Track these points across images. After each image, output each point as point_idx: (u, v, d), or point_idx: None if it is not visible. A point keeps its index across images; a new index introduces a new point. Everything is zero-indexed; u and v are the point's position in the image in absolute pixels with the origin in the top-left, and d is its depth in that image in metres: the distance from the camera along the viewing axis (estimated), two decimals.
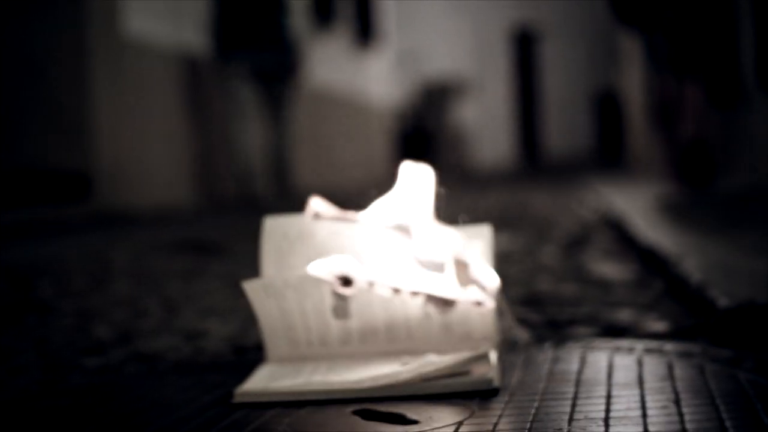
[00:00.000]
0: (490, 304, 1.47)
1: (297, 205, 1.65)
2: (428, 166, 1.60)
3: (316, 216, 1.58)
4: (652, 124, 6.73)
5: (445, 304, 1.47)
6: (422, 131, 18.20)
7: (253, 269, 1.62)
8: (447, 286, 1.48)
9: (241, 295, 1.52)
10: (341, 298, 1.48)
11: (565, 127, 21.87)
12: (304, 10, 9.55)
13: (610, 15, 6.68)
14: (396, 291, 1.47)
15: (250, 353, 1.93)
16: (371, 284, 1.47)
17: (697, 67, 6.15)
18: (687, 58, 6.10)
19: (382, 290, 1.47)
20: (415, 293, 1.47)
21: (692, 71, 6.13)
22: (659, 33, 6.15)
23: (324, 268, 1.47)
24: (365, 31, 14.92)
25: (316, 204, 1.58)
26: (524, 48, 22.04)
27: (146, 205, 7.87)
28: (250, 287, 1.49)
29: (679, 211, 4.77)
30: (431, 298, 1.47)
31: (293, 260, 1.56)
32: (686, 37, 6.06)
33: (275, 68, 8.50)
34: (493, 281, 1.50)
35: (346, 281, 1.47)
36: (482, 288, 1.49)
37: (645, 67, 7.08)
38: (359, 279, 1.47)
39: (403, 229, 1.53)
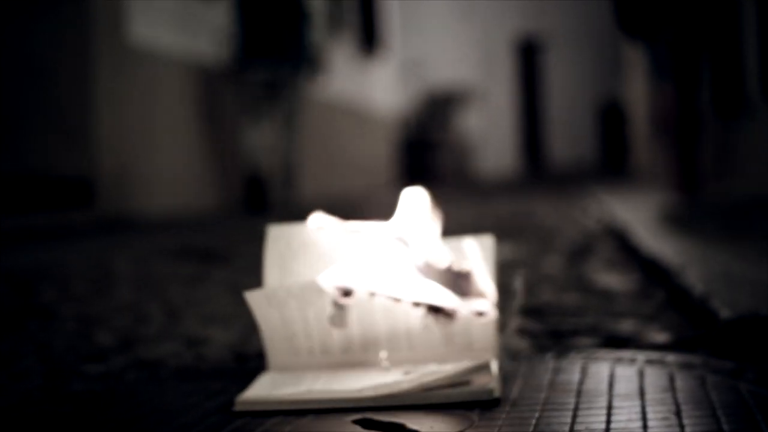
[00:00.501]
0: (491, 314, 1.47)
1: (305, 211, 1.65)
2: (424, 189, 1.60)
3: (320, 228, 1.58)
4: (653, 131, 6.77)
5: (446, 316, 1.47)
6: (426, 140, 18.20)
7: (255, 276, 1.62)
8: (448, 298, 1.47)
9: (243, 302, 1.52)
10: (341, 308, 1.48)
11: (569, 136, 21.88)
12: (323, 21, 9.69)
13: (614, 24, 6.75)
14: (397, 301, 1.47)
15: (252, 361, 1.93)
16: (372, 294, 1.47)
17: (697, 77, 6.18)
18: (688, 68, 6.13)
19: (383, 301, 1.47)
20: (416, 304, 1.47)
21: (693, 80, 6.16)
22: (662, 42, 6.19)
23: (325, 279, 1.47)
24: (370, 40, 14.94)
25: (318, 219, 1.58)
26: (529, 57, 22.05)
27: (150, 211, 7.88)
28: (252, 297, 1.49)
29: (681, 220, 4.77)
30: (432, 310, 1.47)
31: (296, 268, 1.56)
32: (688, 47, 6.10)
33: (293, 77, 8.60)
34: (493, 292, 1.50)
35: (347, 292, 1.47)
36: (484, 298, 1.49)
37: (649, 77, 7.11)
38: (360, 289, 1.47)
39: (405, 240, 1.53)
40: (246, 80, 8.54)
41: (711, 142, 7.87)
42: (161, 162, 8.44)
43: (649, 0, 6.12)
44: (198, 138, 9.13)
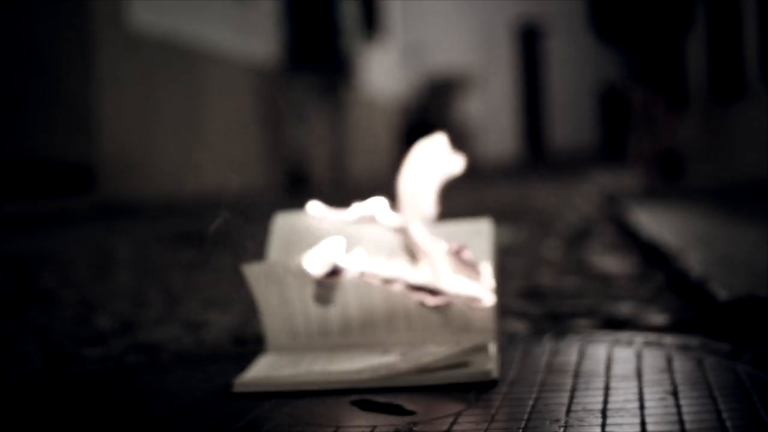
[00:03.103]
0: (488, 301, 1.47)
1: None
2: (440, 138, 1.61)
3: (318, 218, 1.58)
4: (636, 126, 7.40)
5: (441, 301, 1.47)
6: (427, 125, 18.17)
7: (257, 259, 1.62)
8: (444, 283, 1.47)
9: (242, 287, 1.52)
10: (325, 287, 1.48)
11: (570, 121, 21.86)
12: (356, 30, 10.57)
13: (592, 32, 7.41)
14: (391, 284, 1.47)
15: (251, 344, 1.94)
16: (365, 275, 1.47)
17: (667, 81, 6.90)
18: (660, 75, 6.88)
19: (377, 282, 1.47)
20: (411, 288, 1.47)
21: (661, 85, 6.93)
22: (635, 51, 6.94)
23: (315, 258, 1.47)
24: (370, 25, 14.92)
25: (316, 208, 1.58)
26: (529, 42, 22.02)
27: (150, 197, 7.88)
28: (251, 271, 1.49)
29: (682, 204, 4.77)
30: (427, 294, 1.47)
31: (299, 252, 1.56)
32: (659, 56, 6.88)
33: (333, 79, 9.84)
34: (491, 278, 1.50)
35: (334, 271, 1.47)
36: (482, 283, 1.48)
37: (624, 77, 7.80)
38: (350, 268, 1.47)
39: (403, 226, 1.53)
40: (294, 83, 9.57)
41: (707, 126, 7.93)
42: (164, 148, 8.44)
43: (627, 11, 6.80)
44: (200, 124, 9.14)
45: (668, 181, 6.86)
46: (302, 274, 1.48)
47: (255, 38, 10.04)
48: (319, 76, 9.61)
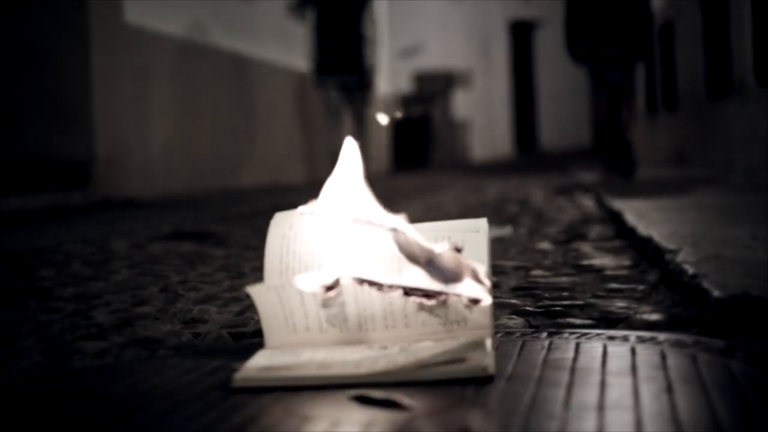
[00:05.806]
0: (485, 300, 1.48)
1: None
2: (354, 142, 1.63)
3: (310, 213, 1.59)
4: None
5: (437, 303, 1.48)
6: (419, 123, 18.17)
7: (253, 256, 1.63)
8: (440, 284, 1.48)
9: (241, 282, 1.53)
10: (330, 305, 1.49)
11: (562, 117, 21.86)
12: (374, 41, 11.23)
13: (565, 52, 8.29)
14: (389, 289, 1.48)
15: (249, 338, 1.95)
16: (361, 282, 1.48)
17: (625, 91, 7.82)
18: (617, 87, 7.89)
19: (374, 290, 1.48)
20: (407, 293, 1.48)
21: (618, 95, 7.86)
22: (597, 66, 7.98)
23: (311, 280, 1.48)
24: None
25: (310, 204, 1.59)
26: (521, 38, 22.02)
27: (145, 194, 7.88)
28: (254, 291, 1.50)
29: (674, 201, 4.78)
30: (424, 298, 1.48)
31: (296, 247, 1.57)
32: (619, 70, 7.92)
33: (358, 86, 10.56)
34: (486, 277, 1.50)
35: (330, 286, 1.48)
36: (478, 283, 1.49)
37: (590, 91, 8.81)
38: (345, 278, 1.48)
39: (395, 227, 1.54)
40: (324, 90, 10.41)
41: (700, 123, 8.01)
42: (158, 144, 8.44)
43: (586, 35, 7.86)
44: (192, 121, 9.14)
45: (621, 177, 7.54)
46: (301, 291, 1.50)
47: (263, 36, 10.31)
48: (343, 84, 10.36)
